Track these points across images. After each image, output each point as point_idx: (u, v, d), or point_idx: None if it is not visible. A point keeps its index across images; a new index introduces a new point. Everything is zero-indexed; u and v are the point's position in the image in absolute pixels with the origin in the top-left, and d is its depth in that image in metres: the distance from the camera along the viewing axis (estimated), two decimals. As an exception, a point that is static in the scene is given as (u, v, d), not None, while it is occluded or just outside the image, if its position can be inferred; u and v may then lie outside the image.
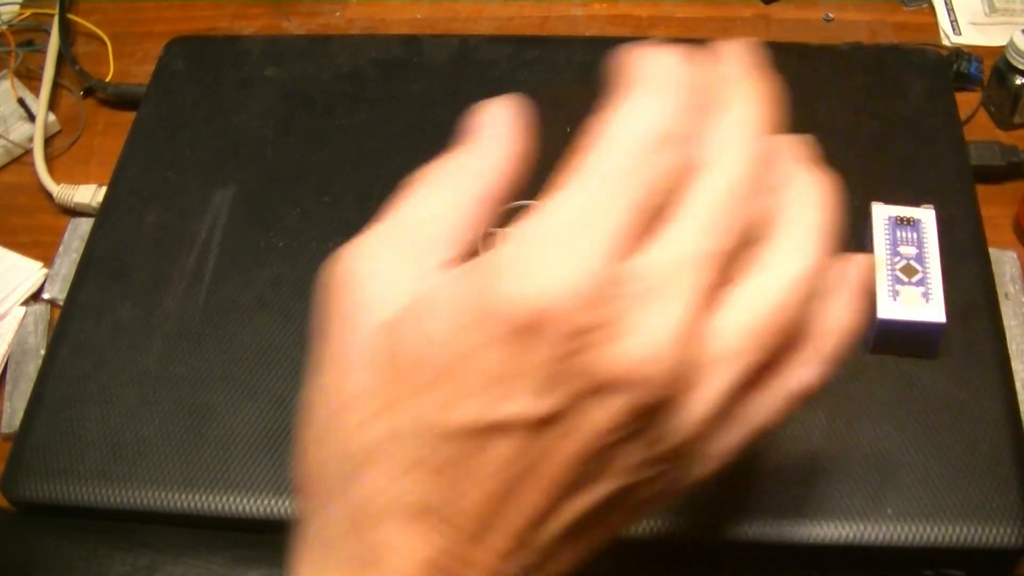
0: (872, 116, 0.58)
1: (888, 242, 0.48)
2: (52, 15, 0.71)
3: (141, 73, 0.68)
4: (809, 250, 0.28)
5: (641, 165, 0.25)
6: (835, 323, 0.29)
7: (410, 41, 0.64)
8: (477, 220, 0.28)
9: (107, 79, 0.69)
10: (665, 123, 0.26)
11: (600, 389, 0.24)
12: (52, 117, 0.67)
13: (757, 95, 0.29)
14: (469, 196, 0.28)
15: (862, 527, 0.43)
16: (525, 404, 0.24)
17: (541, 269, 0.23)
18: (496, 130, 0.29)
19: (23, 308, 0.57)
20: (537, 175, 0.60)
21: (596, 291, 0.23)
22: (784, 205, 0.29)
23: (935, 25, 0.69)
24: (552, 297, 0.23)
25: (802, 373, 0.28)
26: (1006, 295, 0.54)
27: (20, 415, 0.51)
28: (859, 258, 0.32)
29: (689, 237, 0.25)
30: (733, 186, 0.26)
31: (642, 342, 0.24)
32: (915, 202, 0.50)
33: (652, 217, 0.25)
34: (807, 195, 0.29)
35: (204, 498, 0.45)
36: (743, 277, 0.27)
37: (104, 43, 0.71)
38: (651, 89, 0.26)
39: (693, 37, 0.66)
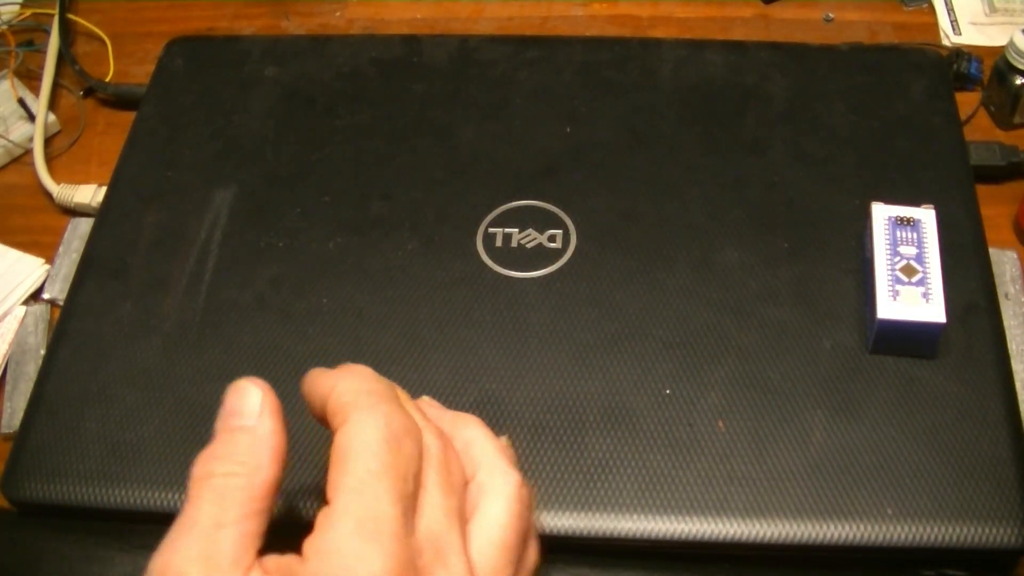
0: (872, 116, 0.58)
1: (888, 242, 0.48)
2: (52, 15, 0.71)
3: (141, 73, 0.68)
4: (509, 469, 0.36)
5: (389, 463, 0.32)
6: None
7: (410, 41, 0.64)
8: (266, 510, 0.33)
9: (107, 79, 0.69)
10: (392, 424, 0.33)
11: None
12: (52, 117, 0.67)
13: (416, 402, 0.38)
14: (254, 494, 0.33)
15: (862, 527, 0.43)
16: None
17: (356, 565, 0.30)
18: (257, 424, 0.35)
19: (23, 308, 0.57)
20: (535, 175, 0.60)
21: (405, 567, 0.30)
22: (473, 450, 0.37)
23: (935, 25, 0.69)
24: None
25: (530, 549, 0.37)
26: (1006, 295, 0.54)
27: (20, 415, 0.51)
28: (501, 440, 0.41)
29: (439, 504, 0.33)
30: (442, 455, 0.35)
31: None
32: (915, 202, 0.50)
33: (413, 496, 0.33)
34: (480, 436, 0.38)
35: (204, 498, 0.45)
36: (474, 508, 0.35)
37: (104, 43, 0.71)
38: (369, 403, 0.34)
39: (693, 37, 0.66)
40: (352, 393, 0.35)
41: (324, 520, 0.32)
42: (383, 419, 0.33)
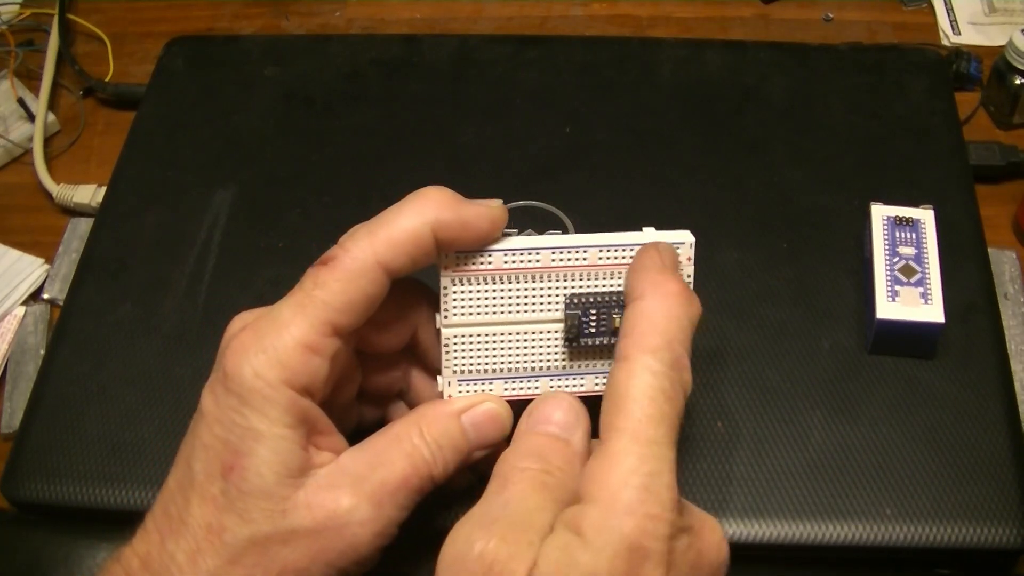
0: (872, 116, 0.58)
1: (887, 242, 0.48)
2: (52, 15, 0.71)
3: (141, 73, 0.68)
4: None
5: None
6: None
7: (410, 41, 0.64)
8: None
9: (107, 79, 0.69)
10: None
11: None
12: (52, 117, 0.67)
13: None
14: None
15: (861, 527, 0.43)
16: None
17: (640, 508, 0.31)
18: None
19: (23, 308, 0.57)
20: (535, 175, 0.59)
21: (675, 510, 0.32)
22: None
23: (935, 25, 0.69)
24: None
25: None
26: (1005, 295, 0.54)
27: (20, 415, 0.51)
28: None
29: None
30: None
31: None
32: (915, 202, 0.50)
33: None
34: None
35: (204, 498, 0.45)
36: None
37: (104, 43, 0.71)
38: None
39: (693, 37, 0.66)
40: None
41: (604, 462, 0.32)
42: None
